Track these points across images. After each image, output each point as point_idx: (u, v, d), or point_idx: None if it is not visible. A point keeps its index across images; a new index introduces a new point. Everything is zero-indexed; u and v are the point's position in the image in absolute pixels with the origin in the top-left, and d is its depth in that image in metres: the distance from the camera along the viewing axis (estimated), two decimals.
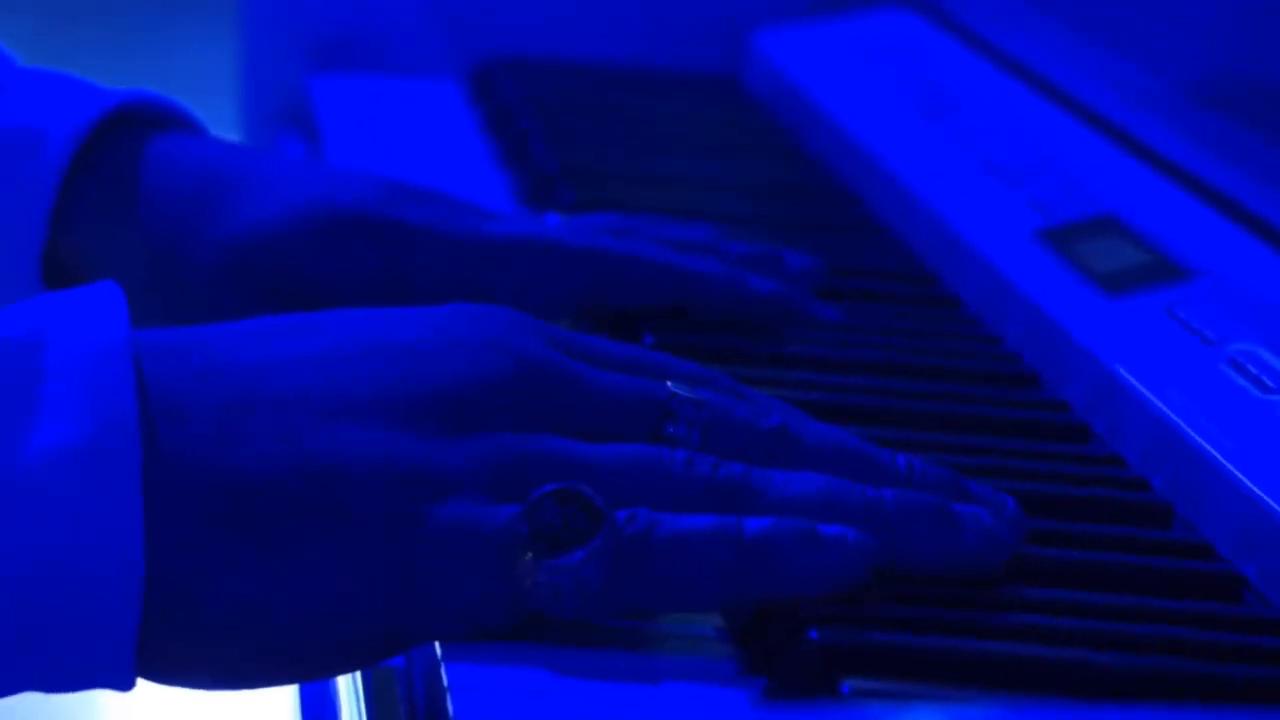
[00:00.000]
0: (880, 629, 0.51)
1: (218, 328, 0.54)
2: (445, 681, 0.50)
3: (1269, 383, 0.65)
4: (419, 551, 0.50)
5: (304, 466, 0.51)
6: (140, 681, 0.51)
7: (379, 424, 0.52)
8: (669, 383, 0.56)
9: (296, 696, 0.63)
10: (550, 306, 0.71)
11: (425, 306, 0.56)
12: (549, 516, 0.51)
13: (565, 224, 0.75)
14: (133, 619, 0.49)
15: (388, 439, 0.51)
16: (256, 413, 0.51)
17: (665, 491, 0.53)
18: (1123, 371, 0.68)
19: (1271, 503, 0.59)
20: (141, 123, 0.73)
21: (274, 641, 0.50)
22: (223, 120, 0.87)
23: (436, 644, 0.51)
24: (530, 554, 0.51)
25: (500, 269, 0.70)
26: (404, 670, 0.55)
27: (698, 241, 0.76)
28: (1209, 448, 0.62)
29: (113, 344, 0.50)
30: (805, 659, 0.50)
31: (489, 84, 1.02)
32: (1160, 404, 0.65)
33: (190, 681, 0.51)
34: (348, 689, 0.57)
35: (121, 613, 0.49)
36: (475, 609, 0.51)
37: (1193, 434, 0.63)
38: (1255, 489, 0.60)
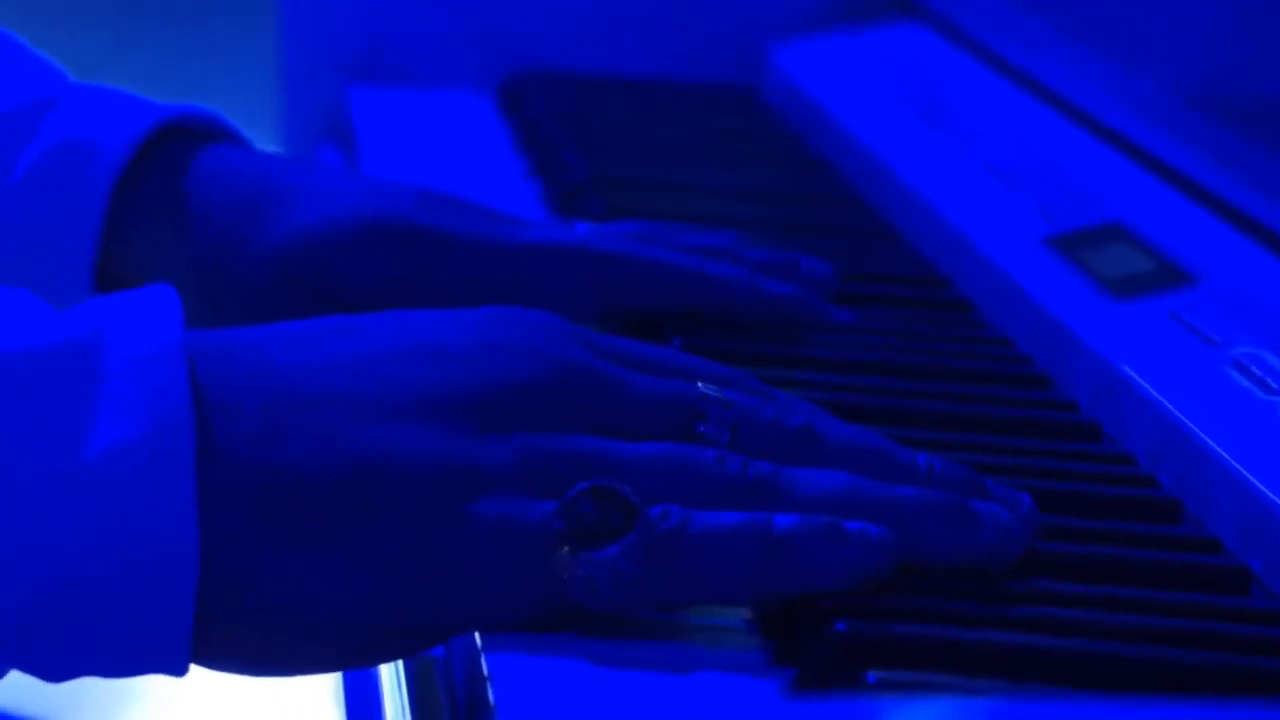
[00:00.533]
0: (904, 621, 0.51)
1: (266, 329, 0.54)
2: (485, 671, 0.50)
3: (1272, 384, 0.65)
4: (459, 546, 0.50)
5: (348, 463, 0.51)
6: (191, 667, 0.51)
7: (421, 423, 0.52)
8: (699, 384, 0.56)
9: (340, 685, 0.63)
10: (579, 310, 0.71)
11: (464, 309, 0.56)
12: (585, 512, 0.51)
13: (593, 231, 0.75)
14: (187, 607, 0.49)
15: (429, 437, 0.51)
16: (303, 411, 0.51)
17: (696, 489, 0.53)
18: (1130, 373, 0.68)
19: (1276, 499, 0.59)
20: (189, 136, 0.73)
21: (318, 631, 0.51)
22: (265, 132, 0.87)
23: (476, 634, 0.51)
24: (567, 548, 0.51)
25: (532, 274, 0.71)
26: (444, 660, 0.55)
27: (719, 248, 0.76)
28: (1215, 446, 0.62)
29: (168, 345, 0.50)
30: (832, 650, 0.50)
31: (518, 97, 1.02)
32: (1167, 404, 0.65)
33: (239, 668, 0.52)
34: (390, 678, 0.58)
35: (176, 601, 0.49)
36: (513, 601, 0.51)
37: (1199, 433, 0.63)
38: (1261, 486, 0.60)
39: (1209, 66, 0.82)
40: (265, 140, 0.82)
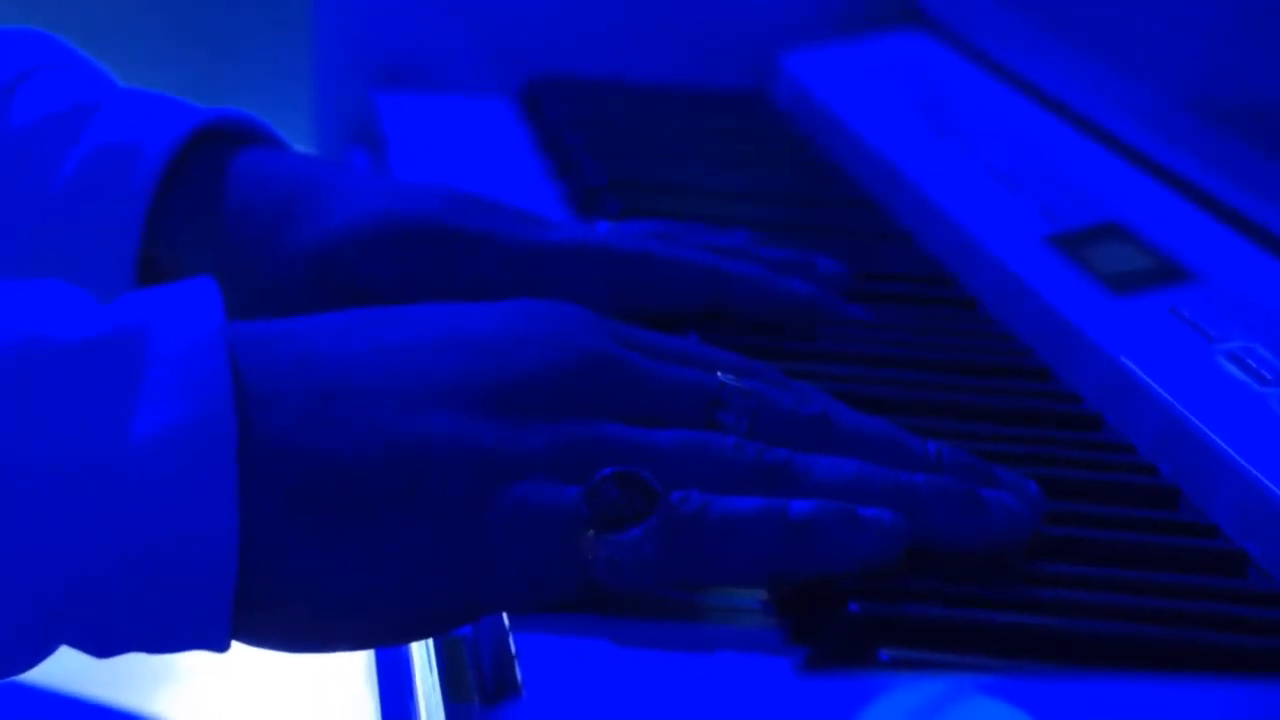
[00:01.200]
0: (915, 602, 0.51)
1: (305, 320, 0.54)
2: (513, 649, 0.50)
3: (1267, 375, 0.65)
4: (491, 528, 0.50)
5: (384, 450, 0.50)
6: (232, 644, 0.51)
7: (455, 411, 0.51)
8: (719, 373, 0.55)
9: (373, 663, 0.63)
10: (602, 307, 0.70)
11: (495, 302, 0.56)
12: (610, 497, 0.51)
13: (613, 231, 0.75)
14: (228, 586, 0.49)
15: (463, 424, 0.51)
16: (340, 400, 0.51)
17: (716, 474, 0.52)
18: (1130, 365, 0.67)
19: (1271, 486, 0.59)
20: (227, 138, 0.73)
21: (354, 610, 0.50)
22: (298, 136, 0.87)
23: (504, 614, 0.51)
24: (592, 531, 0.50)
25: (555, 272, 0.70)
26: (472, 639, 0.55)
27: (734, 247, 0.75)
28: (1212, 435, 0.62)
29: (210, 335, 0.50)
30: (846, 629, 0.50)
31: (538, 102, 1.02)
32: (1166, 395, 0.65)
33: (278, 644, 0.51)
34: (421, 656, 0.57)
35: (218, 581, 0.49)
36: (541, 581, 0.51)
37: (1197, 423, 0.63)
38: (1256, 473, 0.60)
39: (1203, 72, 0.82)
40: (299, 143, 0.82)
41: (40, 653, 0.50)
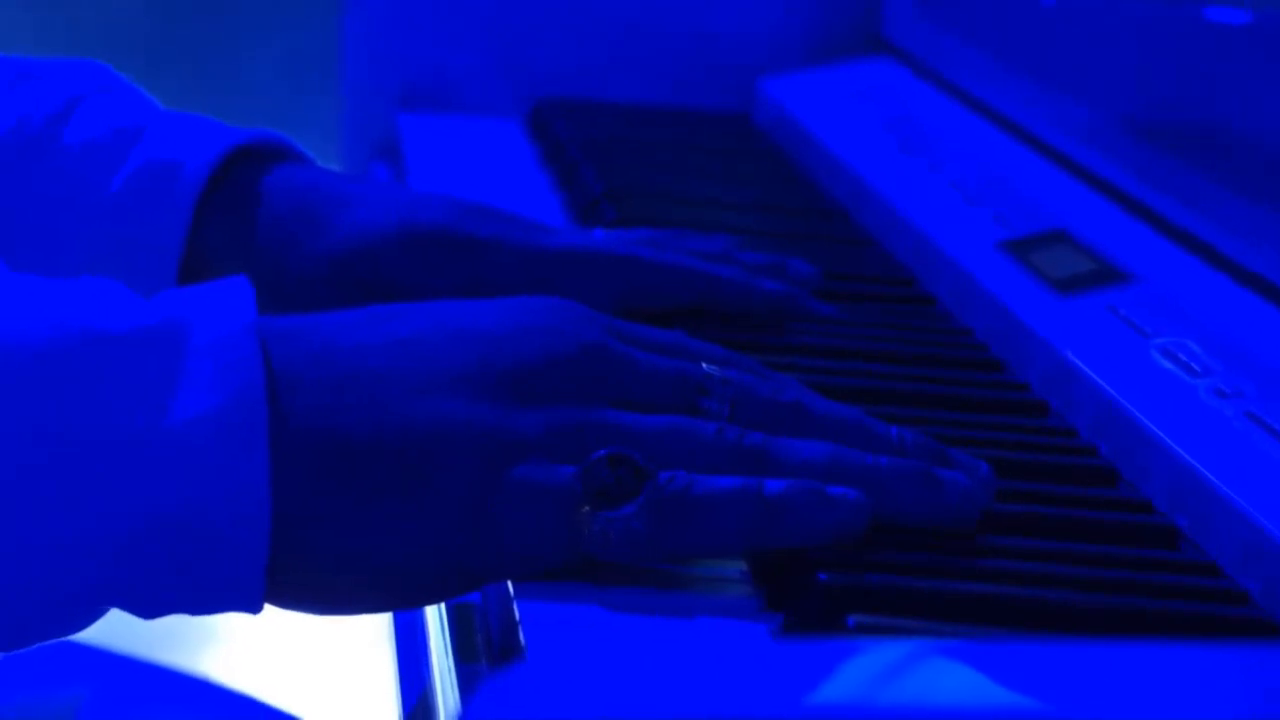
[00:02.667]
0: (879, 572, 0.50)
1: (328, 315, 0.54)
2: (516, 615, 0.49)
3: (1196, 368, 0.64)
4: (494, 503, 0.50)
5: (398, 431, 0.50)
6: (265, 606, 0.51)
7: (462, 396, 0.51)
8: (703, 364, 0.55)
9: (390, 626, 0.63)
10: (597, 305, 0.70)
11: (501, 298, 0.56)
12: (603, 476, 0.50)
13: (608, 237, 0.74)
14: (261, 555, 0.49)
15: (469, 409, 0.51)
16: (359, 386, 0.51)
17: (699, 456, 0.52)
18: (1073, 358, 0.67)
19: (1199, 466, 0.59)
20: (261, 156, 0.73)
21: (371, 576, 0.50)
22: (327, 152, 0.87)
23: (509, 583, 0.51)
24: (587, 507, 0.50)
25: (557, 274, 0.70)
26: (480, 605, 0.54)
27: (718, 251, 0.75)
28: (1145, 420, 0.62)
29: (243, 328, 0.50)
30: (816, 597, 0.49)
31: (543, 121, 1.02)
32: (1105, 385, 0.65)
33: (306, 607, 0.51)
34: (434, 621, 0.57)
35: (252, 549, 0.49)
36: (539, 553, 0.50)
37: (1132, 409, 0.63)
38: (1185, 454, 0.59)
39: (1137, 96, 0.82)
40: (327, 159, 0.82)
41: (92, 614, 0.50)
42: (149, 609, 0.50)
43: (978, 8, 0.99)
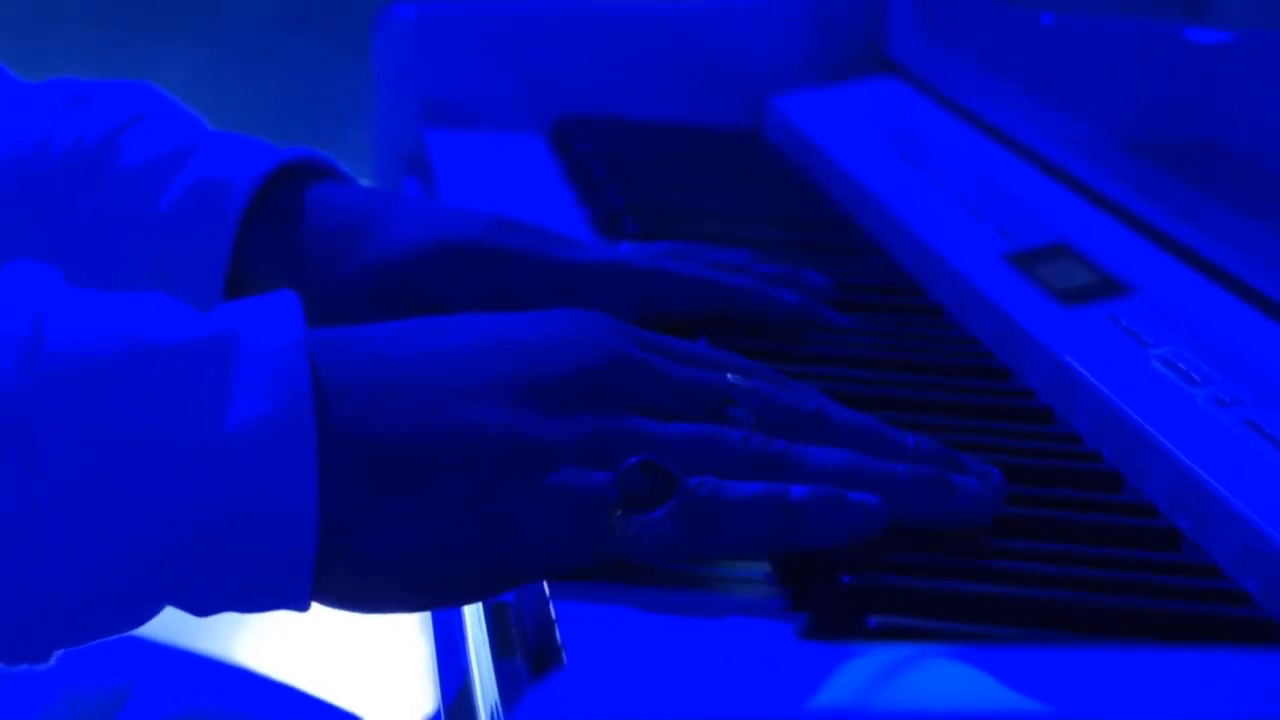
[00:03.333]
0: (899, 574, 0.50)
1: (373, 327, 0.54)
2: (553, 614, 0.49)
3: (1195, 376, 0.64)
4: (530, 507, 0.50)
5: (438, 438, 0.50)
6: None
7: (499, 405, 0.51)
8: (728, 374, 0.55)
9: (429, 622, 0.63)
10: (623, 315, 0.70)
11: (534, 311, 0.56)
12: (636, 481, 0.50)
13: (633, 250, 0.74)
14: (309, 555, 0.49)
15: (506, 416, 0.51)
16: (402, 395, 0.51)
17: (726, 462, 0.52)
18: (1077, 367, 0.67)
19: (1200, 470, 0.59)
20: (303, 174, 0.73)
21: (412, 578, 0.50)
22: (361, 166, 0.87)
23: (545, 584, 0.51)
24: (619, 512, 0.50)
25: (584, 286, 0.70)
26: (516, 605, 0.54)
27: (736, 263, 0.75)
28: (1148, 427, 0.62)
29: (293, 340, 0.50)
30: (838, 599, 0.49)
31: (565, 137, 1.02)
32: (1108, 392, 0.65)
33: (350, 606, 0.51)
34: (473, 620, 0.57)
35: (300, 550, 0.49)
36: (572, 555, 0.51)
37: (1135, 416, 0.63)
38: (1186, 460, 0.59)
39: (1137, 115, 0.82)
40: (362, 173, 0.82)
41: (149, 612, 0.50)
42: (202, 607, 0.50)
43: (978, 28, 0.99)
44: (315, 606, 0.51)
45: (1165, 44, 0.79)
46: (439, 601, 0.52)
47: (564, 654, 0.47)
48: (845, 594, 0.49)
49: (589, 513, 0.50)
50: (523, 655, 0.53)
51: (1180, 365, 0.65)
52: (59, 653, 0.50)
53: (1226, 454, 0.59)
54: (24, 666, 0.50)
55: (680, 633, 0.49)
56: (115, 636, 0.51)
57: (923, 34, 1.05)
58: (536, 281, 0.70)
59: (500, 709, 0.52)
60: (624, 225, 0.85)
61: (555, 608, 0.49)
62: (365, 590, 0.51)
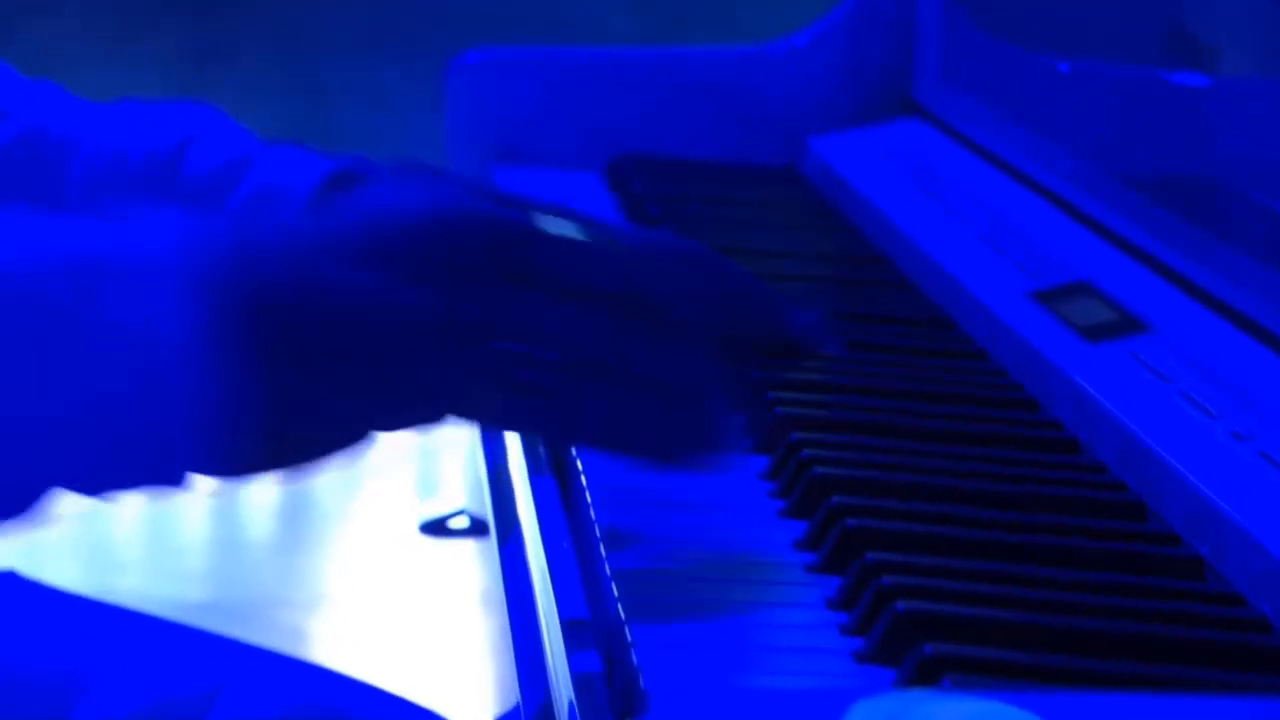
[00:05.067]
0: (946, 602, 0.50)
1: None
2: (629, 637, 0.49)
3: (1212, 410, 0.63)
4: (393, 358, 0.50)
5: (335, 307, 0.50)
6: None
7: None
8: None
9: (509, 635, 0.62)
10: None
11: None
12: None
13: None
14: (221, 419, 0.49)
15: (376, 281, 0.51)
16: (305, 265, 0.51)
17: None
18: (1102, 400, 0.66)
19: (1219, 500, 0.58)
20: (356, 180, 0.73)
21: (310, 424, 0.51)
22: None
23: (619, 608, 0.50)
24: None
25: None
26: (590, 622, 0.54)
27: None
28: (1170, 459, 0.61)
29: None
30: (894, 625, 0.48)
31: (622, 176, 1.01)
32: (1131, 425, 0.64)
33: (263, 464, 0.51)
34: (552, 637, 0.56)
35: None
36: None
37: (1157, 448, 0.62)
38: (1206, 489, 0.58)
39: (1151, 158, 0.81)
40: None
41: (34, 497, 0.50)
42: (93, 483, 0.50)
43: (999, 74, 0.98)
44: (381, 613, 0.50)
45: (1175, 91, 0.78)
46: (333, 450, 0.52)
47: (641, 680, 0.46)
48: (901, 620, 0.48)
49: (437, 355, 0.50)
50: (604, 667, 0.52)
51: (1198, 400, 0.64)
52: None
53: (1243, 484, 0.58)
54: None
55: (743, 657, 0.48)
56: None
57: (945, 78, 1.04)
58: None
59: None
60: None
61: (630, 631, 0.48)
62: (275, 446, 0.50)
